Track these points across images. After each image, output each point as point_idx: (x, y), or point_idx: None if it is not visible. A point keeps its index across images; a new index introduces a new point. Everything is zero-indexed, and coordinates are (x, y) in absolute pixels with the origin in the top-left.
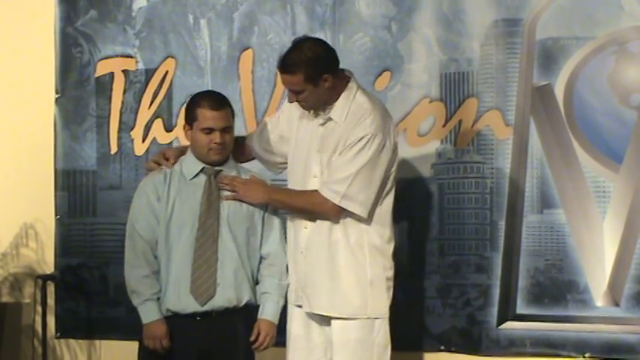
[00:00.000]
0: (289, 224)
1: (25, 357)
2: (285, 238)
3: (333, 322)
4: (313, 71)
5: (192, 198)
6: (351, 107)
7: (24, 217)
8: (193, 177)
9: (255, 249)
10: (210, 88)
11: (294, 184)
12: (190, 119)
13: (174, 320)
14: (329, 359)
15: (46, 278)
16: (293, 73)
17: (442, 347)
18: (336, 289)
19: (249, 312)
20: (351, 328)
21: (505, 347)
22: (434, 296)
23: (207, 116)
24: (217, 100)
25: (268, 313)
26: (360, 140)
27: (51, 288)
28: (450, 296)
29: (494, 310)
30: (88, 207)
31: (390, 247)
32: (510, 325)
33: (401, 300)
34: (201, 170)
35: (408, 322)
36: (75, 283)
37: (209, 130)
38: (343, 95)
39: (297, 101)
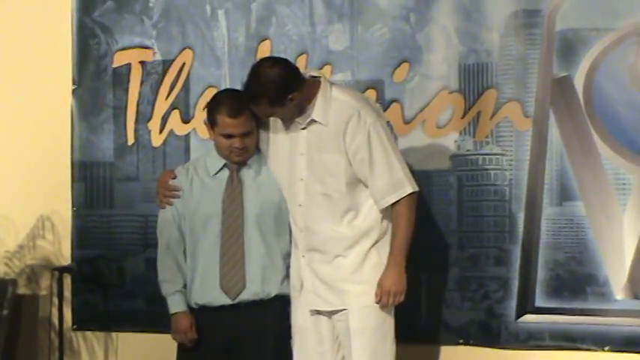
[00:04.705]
0: (292, 226)
1: (42, 349)
2: None
3: (350, 309)
4: (276, 96)
5: (216, 193)
6: (332, 106)
7: (41, 209)
8: (217, 172)
9: (285, 237)
10: (227, 79)
11: (282, 188)
12: (211, 122)
13: (202, 313)
14: (336, 351)
15: (62, 270)
16: (256, 102)
17: (461, 340)
18: (356, 280)
19: (281, 302)
20: (370, 315)
21: (524, 340)
22: (452, 289)
23: (226, 123)
24: (235, 107)
25: None
26: (369, 136)
27: (67, 280)
28: (468, 289)
29: (513, 303)
30: (105, 199)
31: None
32: (529, 318)
33: (419, 293)
34: (225, 165)
35: (426, 315)
36: (92, 275)
37: (229, 136)
38: (319, 96)
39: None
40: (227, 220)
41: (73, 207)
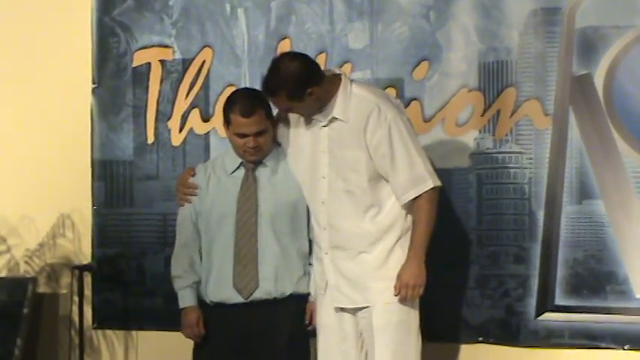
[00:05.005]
0: (314, 224)
1: (62, 347)
2: None
3: (374, 306)
4: (295, 89)
5: (231, 191)
6: (352, 102)
7: (61, 208)
8: (233, 171)
9: (302, 236)
10: (247, 78)
11: (303, 186)
12: (226, 121)
13: (217, 310)
14: (359, 348)
15: (82, 269)
16: (275, 95)
17: (480, 338)
18: (380, 277)
19: (296, 301)
20: (393, 311)
21: (543, 338)
22: (472, 287)
23: (240, 122)
24: (249, 106)
25: None
26: (389, 131)
27: (88, 278)
28: (488, 287)
29: (533, 301)
30: (124, 197)
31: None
32: (549, 316)
33: (439, 291)
34: (241, 164)
35: (446, 313)
36: (112, 273)
37: (242, 135)
38: (340, 93)
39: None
40: (241, 219)
41: (93, 205)
